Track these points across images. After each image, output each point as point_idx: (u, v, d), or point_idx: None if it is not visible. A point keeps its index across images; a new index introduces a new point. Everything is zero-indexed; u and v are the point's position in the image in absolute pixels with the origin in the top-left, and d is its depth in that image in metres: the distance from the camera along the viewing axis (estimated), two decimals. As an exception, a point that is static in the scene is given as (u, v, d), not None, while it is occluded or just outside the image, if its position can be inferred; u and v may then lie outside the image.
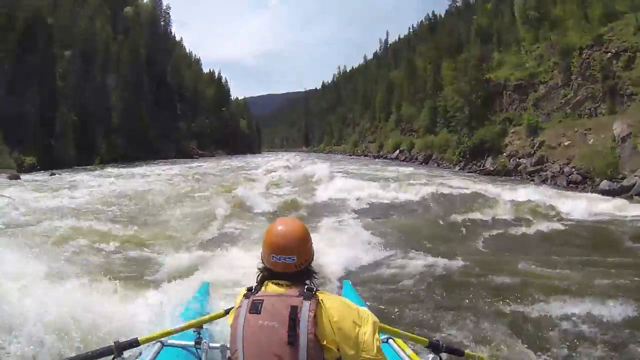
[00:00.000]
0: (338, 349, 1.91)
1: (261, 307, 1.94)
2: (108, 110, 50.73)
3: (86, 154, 41.46)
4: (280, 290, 2.00)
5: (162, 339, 2.92)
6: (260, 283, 2.09)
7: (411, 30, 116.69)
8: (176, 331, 2.88)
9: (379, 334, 2.05)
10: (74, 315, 3.94)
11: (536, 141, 29.19)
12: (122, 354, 2.54)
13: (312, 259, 2.16)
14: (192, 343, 2.99)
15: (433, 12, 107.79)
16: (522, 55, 42.53)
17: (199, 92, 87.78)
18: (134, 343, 2.64)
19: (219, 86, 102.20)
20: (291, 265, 2.04)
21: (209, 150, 74.79)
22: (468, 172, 32.59)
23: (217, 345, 2.90)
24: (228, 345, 2.09)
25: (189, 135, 72.38)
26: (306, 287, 2.00)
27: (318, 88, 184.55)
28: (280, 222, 2.15)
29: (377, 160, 60.00)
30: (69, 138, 39.10)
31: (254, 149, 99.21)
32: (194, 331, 2.97)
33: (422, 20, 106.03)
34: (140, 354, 2.89)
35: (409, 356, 2.92)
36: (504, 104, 40.80)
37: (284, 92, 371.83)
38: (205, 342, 2.91)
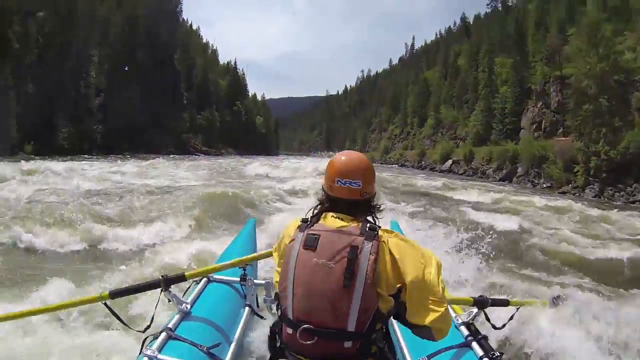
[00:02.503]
0: (395, 297, 1.82)
1: (317, 242, 1.82)
2: (88, 87, 40.73)
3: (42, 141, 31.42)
4: (341, 224, 1.86)
5: (208, 275, 3.23)
6: (318, 215, 1.95)
7: (439, 34, 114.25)
8: (222, 268, 3.10)
9: (442, 276, 1.91)
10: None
11: None
12: (170, 287, 2.74)
13: (375, 194, 2.03)
14: (237, 279, 3.19)
15: (464, 13, 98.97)
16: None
17: (211, 82, 77.58)
18: (181, 277, 2.85)
19: (234, 77, 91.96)
20: (356, 191, 1.93)
21: (216, 148, 64.26)
22: (607, 201, 21.51)
23: (262, 282, 3.06)
24: (273, 281, 2.09)
25: (193, 128, 62.08)
26: (368, 224, 1.85)
27: (340, 92, 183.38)
28: (345, 152, 2.05)
29: (432, 172, 47.80)
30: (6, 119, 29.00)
31: (270, 150, 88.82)
32: (240, 267, 3.10)
33: (456, 22, 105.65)
34: (188, 288, 3.13)
35: (452, 308, 2.87)
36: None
37: (305, 95, 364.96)
38: (250, 279, 3.11)
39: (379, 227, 1.86)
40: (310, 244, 1.81)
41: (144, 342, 2.41)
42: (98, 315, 3.69)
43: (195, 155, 49.49)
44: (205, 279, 3.22)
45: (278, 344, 1.94)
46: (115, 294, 2.80)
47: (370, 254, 1.75)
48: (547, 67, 42.80)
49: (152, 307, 2.74)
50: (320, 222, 1.89)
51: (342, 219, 1.87)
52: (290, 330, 1.82)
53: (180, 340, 2.48)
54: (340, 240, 1.79)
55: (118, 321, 2.79)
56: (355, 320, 1.74)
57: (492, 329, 2.83)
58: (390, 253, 1.79)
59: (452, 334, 2.25)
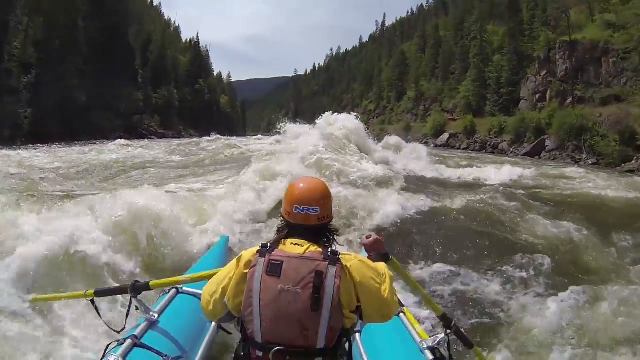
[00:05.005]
0: (355, 313, 1.96)
1: (280, 269, 1.91)
2: (9, 61, 33.57)
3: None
4: (300, 250, 1.97)
5: (178, 286, 3.18)
6: (277, 242, 2.04)
7: (410, 11, 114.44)
8: (190, 280, 2.89)
9: (393, 287, 2.09)
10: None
11: None
12: (138, 294, 2.74)
13: (332, 218, 2.15)
14: None
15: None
16: None
17: (170, 58, 69.96)
18: (146, 286, 2.77)
19: (196, 54, 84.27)
20: (313, 217, 2.04)
21: (175, 129, 57.30)
22: None
23: None
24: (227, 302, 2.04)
25: (148, 109, 54.91)
26: (329, 249, 1.98)
27: (309, 72, 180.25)
28: (303, 179, 2.21)
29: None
30: None
31: (236, 131, 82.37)
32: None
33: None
34: (159, 298, 3.17)
35: (417, 332, 3.03)
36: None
37: (274, 76, 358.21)
38: None
39: (338, 252, 1.97)
40: (274, 270, 1.89)
41: (107, 348, 2.42)
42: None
43: (150, 138, 42.70)
44: (174, 290, 3.22)
45: None
46: (100, 292, 2.91)
47: (335, 277, 1.88)
48: (551, 33, 38.13)
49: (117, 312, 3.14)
50: (280, 247, 1.99)
51: (301, 245, 1.98)
52: (260, 353, 1.91)
53: (145, 348, 2.47)
54: (305, 265, 1.90)
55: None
56: (324, 337, 1.87)
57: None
58: (352, 276, 1.93)
59: (417, 359, 2.79)
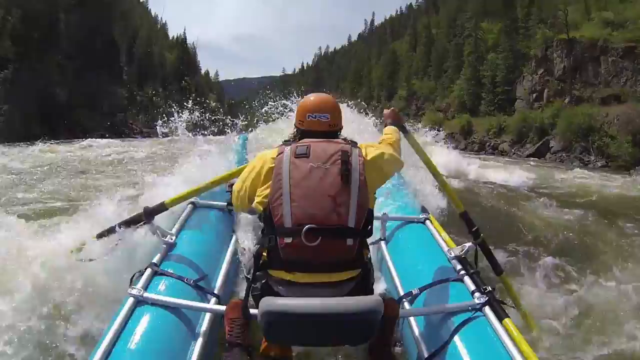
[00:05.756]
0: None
1: (309, 150, 2.00)
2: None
3: None
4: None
5: (194, 199, 3.19)
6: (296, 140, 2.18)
7: (399, 10, 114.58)
8: (205, 188, 2.91)
9: (398, 147, 2.47)
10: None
11: None
12: (152, 219, 2.69)
13: (342, 128, 2.31)
14: (224, 204, 3.27)
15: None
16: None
17: (156, 55, 68.23)
18: (161, 206, 2.76)
19: (183, 51, 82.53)
20: (325, 123, 2.20)
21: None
22: None
23: None
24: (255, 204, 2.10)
25: (133, 107, 53.10)
26: (349, 139, 2.18)
27: (297, 71, 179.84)
28: (313, 93, 2.33)
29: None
30: None
31: (222, 130, 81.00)
32: (227, 190, 2.97)
33: None
34: (179, 216, 3.05)
35: (443, 239, 3.04)
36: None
37: (262, 75, 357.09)
38: None
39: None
40: (303, 152, 2.00)
41: (131, 281, 2.37)
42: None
43: (133, 137, 41.03)
44: (190, 206, 3.17)
45: (261, 262, 2.02)
46: (101, 235, 2.80)
47: (359, 156, 2.04)
48: (549, 30, 37.40)
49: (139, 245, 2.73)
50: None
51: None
52: (289, 239, 1.91)
53: (166, 275, 2.42)
54: (331, 146, 2.04)
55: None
56: (354, 216, 1.93)
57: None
58: (370, 157, 2.13)
59: (444, 267, 2.72)
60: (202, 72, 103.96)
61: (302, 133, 2.18)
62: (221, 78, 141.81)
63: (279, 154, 2.01)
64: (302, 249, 1.87)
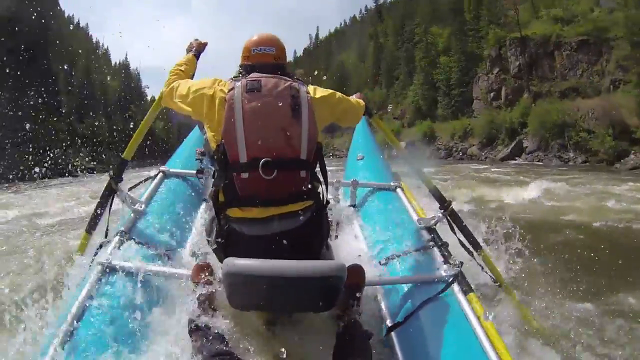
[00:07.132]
0: (325, 130, 2.18)
1: (260, 85, 1.98)
2: None
3: None
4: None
5: (163, 168, 3.23)
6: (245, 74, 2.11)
7: (344, 23, 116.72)
8: (149, 120, 2.96)
9: (357, 104, 2.52)
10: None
11: None
12: (121, 179, 2.65)
13: (286, 62, 2.24)
14: (194, 172, 3.24)
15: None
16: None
17: (98, 84, 64.79)
18: (123, 163, 2.71)
19: (127, 78, 79.21)
20: (270, 55, 2.17)
21: (106, 162, 52.35)
22: None
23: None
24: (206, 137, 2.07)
25: (74, 141, 49.69)
26: (295, 76, 2.13)
27: None
28: (257, 33, 2.30)
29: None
30: None
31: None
32: (197, 159, 3.16)
33: (362, 10, 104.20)
34: (146, 186, 3.04)
35: (414, 208, 2.97)
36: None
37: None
38: (208, 171, 3.06)
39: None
40: (253, 86, 1.97)
41: (98, 248, 2.38)
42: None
43: (75, 176, 37.77)
44: (160, 174, 3.19)
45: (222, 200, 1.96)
46: (90, 227, 2.76)
47: (307, 93, 2.06)
48: (500, 30, 37.54)
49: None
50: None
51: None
52: (245, 175, 1.90)
53: (135, 242, 2.40)
54: (281, 82, 2.01)
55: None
56: (306, 148, 1.96)
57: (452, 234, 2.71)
58: (319, 95, 2.14)
59: (414, 237, 2.66)
60: (149, 98, 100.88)
61: (249, 69, 2.13)
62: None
63: (230, 89, 1.98)
64: (258, 183, 1.88)
